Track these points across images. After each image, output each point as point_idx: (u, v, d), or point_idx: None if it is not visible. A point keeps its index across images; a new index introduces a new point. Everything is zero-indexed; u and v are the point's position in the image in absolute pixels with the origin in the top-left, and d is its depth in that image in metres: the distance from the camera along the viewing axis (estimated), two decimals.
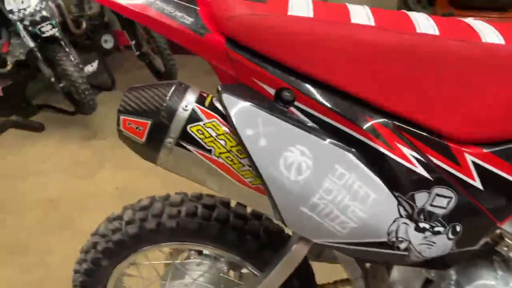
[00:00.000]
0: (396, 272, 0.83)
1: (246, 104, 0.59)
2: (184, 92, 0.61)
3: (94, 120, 2.70)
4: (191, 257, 0.99)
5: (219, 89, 0.60)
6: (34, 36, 2.32)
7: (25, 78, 2.70)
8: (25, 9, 2.28)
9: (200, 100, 0.62)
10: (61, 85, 2.43)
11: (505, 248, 0.72)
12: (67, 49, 2.38)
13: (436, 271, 0.80)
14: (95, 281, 0.92)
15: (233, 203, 0.91)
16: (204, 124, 0.60)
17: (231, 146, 0.61)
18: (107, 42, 3.37)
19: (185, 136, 0.60)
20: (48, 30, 2.30)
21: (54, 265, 1.70)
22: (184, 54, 3.40)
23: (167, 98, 0.60)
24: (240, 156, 0.61)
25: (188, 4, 0.63)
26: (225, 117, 0.61)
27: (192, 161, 0.62)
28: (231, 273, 1.02)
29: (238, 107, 0.59)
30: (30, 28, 2.30)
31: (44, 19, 2.32)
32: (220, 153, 0.61)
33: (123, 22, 2.78)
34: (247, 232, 0.86)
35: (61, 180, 2.21)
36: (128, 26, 2.76)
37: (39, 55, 2.34)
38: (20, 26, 2.27)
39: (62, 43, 2.40)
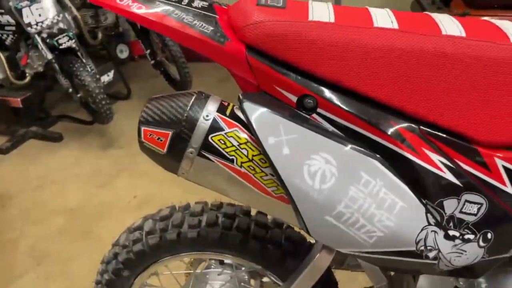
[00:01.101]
0: (423, 281, 0.80)
1: (268, 111, 0.58)
2: (205, 101, 0.61)
3: (111, 129, 2.73)
4: (212, 267, 0.98)
5: (240, 97, 0.59)
6: (52, 48, 2.36)
7: (43, 89, 2.75)
8: (42, 22, 2.32)
9: (221, 109, 0.61)
10: (78, 95, 2.47)
11: None
12: (84, 60, 2.42)
13: (465, 279, 0.77)
14: None
15: (253, 212, 0.90)
16: (225, 133, 0.59)
17: (253, 155, 0.60)
18: (122, 52, 3.42)
19: (206, 146, 0.60)
20: (65, 41, 2.34)
21: (74, 274, 1.71)
22: (199, 62, 3.43)
23: (188, 108, 0.60)
24: (262, 165, 0.60)
25: (207, 13, 0.63)
26: (247, 126, 0.60)
27: (214, 171, 0.61)
28: (252, 282, 1.01)
29: (260, 115, 0.58)
30: (47, 40, 2.34)
31: (61, 31, 2.37)
32: (242, 162, 0.60)
33: (138, 31, 2.81)
34: (269, 241, 0.84)
35: (80, 190, 2.24)
36: (143, 36, 2.80)
37: (56, 66, 2.38)
38: (38, 39, 2.32)
39: (79, 54, 2.44)
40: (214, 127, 0.60)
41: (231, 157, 0.59)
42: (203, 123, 0.59)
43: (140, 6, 0.61)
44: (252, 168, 0.60)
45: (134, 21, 0.63)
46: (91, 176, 2.35)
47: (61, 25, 2.39)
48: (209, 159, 0.60)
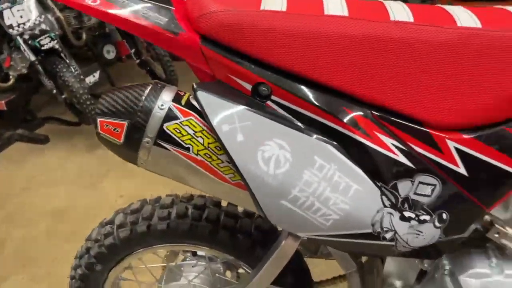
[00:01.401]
0: (390, 265, 0.82)
1: (222, 100, 0.59)
2: (160, 91, 0.62)
3: None
4: (187, 259, 0.99)
5: (194, 86, 0.60)
6: (34, 50, 2.36)
7: (28, 91, 2.75)
8: (24, 24, 2.32)
9: (177, 99, 0.62)
10: (63, 96, 2.47)
11: (496, 235, 0.70)
12: (67, 61, 2.42)
13: (429, 261, 0.79)
14: (90, 286, 0.92)
15: (224, 203, 0.91)
16: (181, 122, 0.60)
17: (209, 143, 0.61)
18: (110, 52, 3.41)
19: (162, 135, 0.61)
20: (47, 42, 2.34)
21: (61, 275, 1.71)
22: (184, 60, 3.44)
23: (143, 98, 0.61)
24: (218, 153, 0.61)
25: (163, 5, 0.64)
26: (202, 115, 0.61)
27: (172, 160, 0.62)
28: (228, 273, 1.02)
29: (214, 104, 0.59)
30: (29, 42, 2.34)
31: (43, 32, 2.37)
32: (199, 150, 0.61)
33: (123, 31, 2.81)
34: (239, 231, 0.85)
35: (67, 191, 2.24)
36: (127, 35, 2.80)
37: (40, 68, 2.37)
38: (20, 40, 2.32)
39: (62, 55, 2.44)
40: (169, 116, 0.61)
41: (187, 146, 0.61)
42: (158, 113, 0.60)
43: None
44: (208, 156, 0.61)
45: (90, 14, 0.63)
46: (78, 177, 2.35)
47: (43, 26, 2.39)
48: (165, 148, 0.61)
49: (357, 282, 0.85)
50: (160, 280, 0.97)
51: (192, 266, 0.97)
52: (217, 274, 0.97)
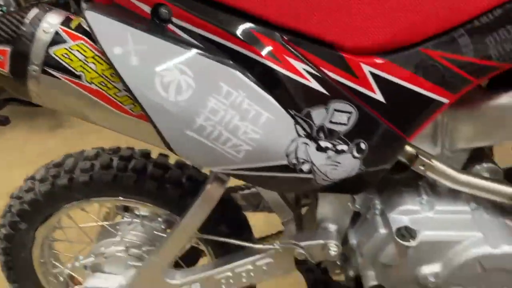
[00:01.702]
0: (324, 209, 0.79)
1: (113, 20, 0.55)
2: (46, 13, 0.57)
3: None
4: (124, 218, 0.95)
5: (83, 6, 0.55)
6: None
7: None
8: None
9: (66, 22, 0.57)
10: None
11: (421, 167, 0.68)
12: None
13: (361, 202, 0.76)
14: (17, 246, 0.88)
15: (154, 154, 0.87)
16: (69, 47, 0.56)
17: (103, 70, 0.56)
18: None
19: (49, 61, 0.56)
20: None
21: None
22: None
23: (27, 21, 0.55)
24: (114, 80, 0.57)
25: None
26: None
27: (64, 90, 0.57)
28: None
29: (104, 24, 0.54)
30: None
31: None
32: (92, 78, 0.56)
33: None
34: (168, 181, 0.82)
35: (27, 171, 2.15)
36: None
37: None
38: None
39: None
40: (56, 40, 0.56)
41: (78, 73, 0.56)
42: (42, 36, 0.55)
43: None
44: (103, 84, 0.56)
45: None
46: (39, 158, 2.26)
47: None
48: (55, 76, 0.56)
49: (293, 230, 0.82)
50: (95, 239, 0.93)
51: (128, 224, 0.93)
52: (154, 232, 0.93)
